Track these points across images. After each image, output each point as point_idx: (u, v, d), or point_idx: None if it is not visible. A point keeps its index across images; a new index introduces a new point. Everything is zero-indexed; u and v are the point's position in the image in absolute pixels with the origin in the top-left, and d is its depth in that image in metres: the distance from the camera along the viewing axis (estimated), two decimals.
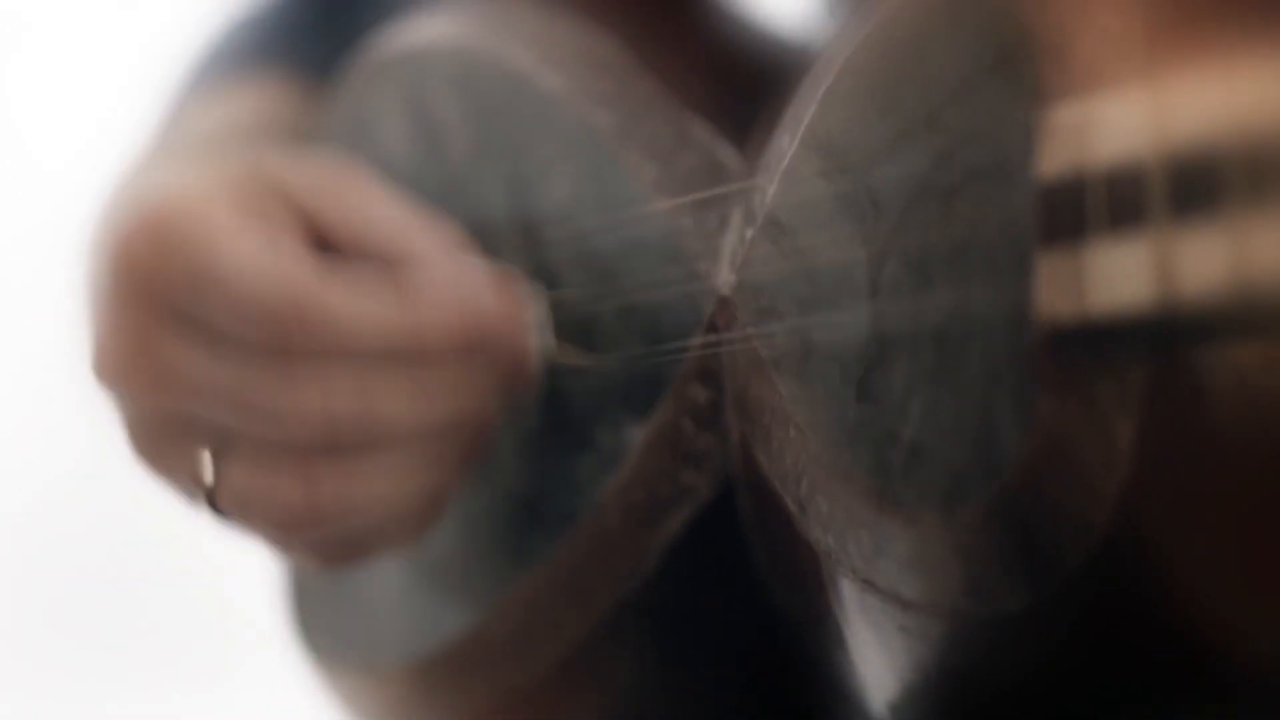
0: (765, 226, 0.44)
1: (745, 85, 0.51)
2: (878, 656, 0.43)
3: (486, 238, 0.52)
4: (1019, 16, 0.38)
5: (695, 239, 0.46)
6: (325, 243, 0.47)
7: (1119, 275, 0.35)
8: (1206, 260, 0.34)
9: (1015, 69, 0.39)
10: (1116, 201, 0.35)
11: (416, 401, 0.45)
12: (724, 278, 0.45)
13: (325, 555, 0.48)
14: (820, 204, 0.43)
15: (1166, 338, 0.35)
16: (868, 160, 0.42)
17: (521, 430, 0.51)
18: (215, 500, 0.46)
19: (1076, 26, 0.37)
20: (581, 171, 0.49)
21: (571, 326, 0.49)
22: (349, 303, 0.45)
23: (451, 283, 0.46)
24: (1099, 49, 0.36)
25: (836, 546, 0.42)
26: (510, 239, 0.52)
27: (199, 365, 0.45)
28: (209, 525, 0.48)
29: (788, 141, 0.44)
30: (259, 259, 0.44)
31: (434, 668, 0.52)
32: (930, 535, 0.39)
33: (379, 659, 0.53)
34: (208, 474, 0.46)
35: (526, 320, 0.47)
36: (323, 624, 0.56)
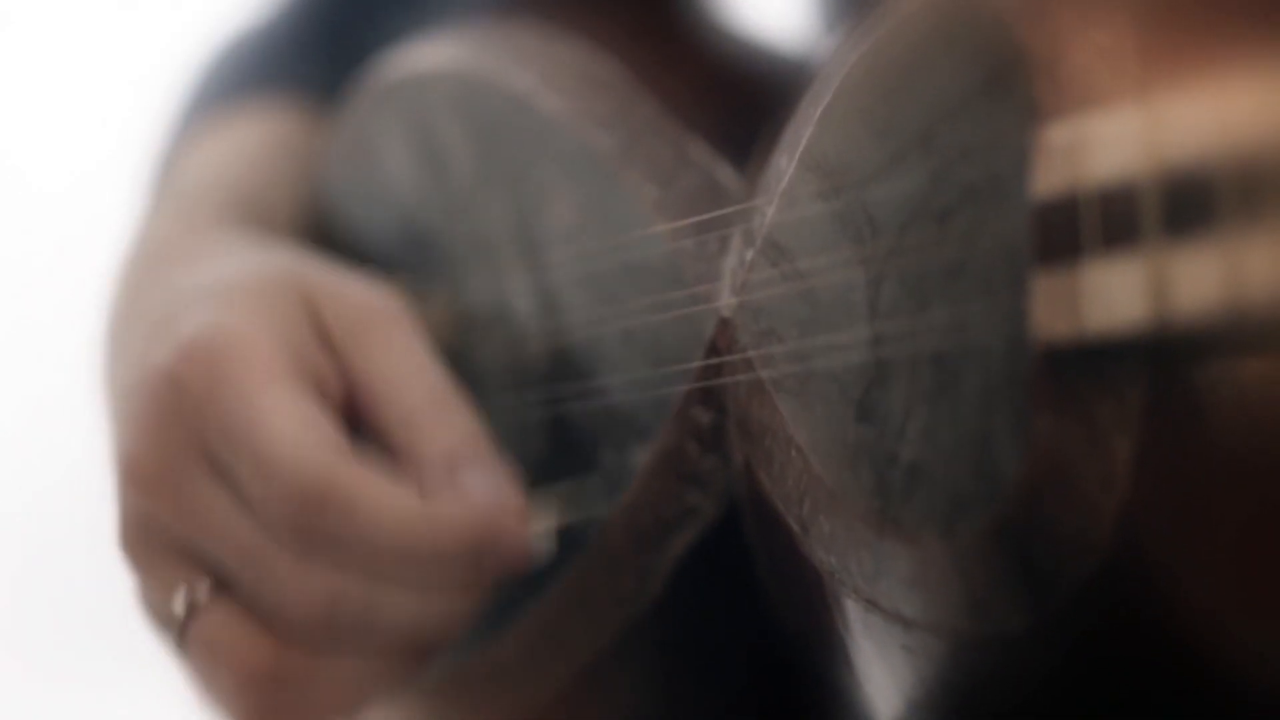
0: (765, 248, 0.44)
1: (744, 105, 0.51)
2: (882, 675, 0.43)
3: (490, 260, 0.53)
4: (1013, 35, 0.38)
5: (696, 261, 0.46)
6: (355, 393, 0.48)
7: (1114, 294, 0.35)
8: (1201, 278, 0.34)
9: (1009, 88, 0.39)
10: (1111, 220, 0.35)
11: (416, 596, 0.46)
12: (725, 300, 0.45)
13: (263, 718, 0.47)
14: (818, 225, 0.43)
15: (1163, 356, 0.35)
16: (864, 181, 0.42)
17: (525, 454, 0.51)
18: (181, 634, 0.47)
19: (1070, 45, 0.37)
20: (583, 193, 0.50)
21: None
22: (372, 499, 0.45)
23: (474, 480, 0.47)
24: (1092, 67, 0.36)
25: (839, 567, 0.42)
26: (514, 262, 0.52)
27: (220, 511, 0.45)
28: (163, 650, 0.48)
29: (786, 162, 0.44)
30: (294, 427, 0.45)
31: (443, 689, 0.52)
32: (931, 555, 0.39)
33: None
34: (182, 607, 0.46)
35: (535, 528, 0.47)
36: None
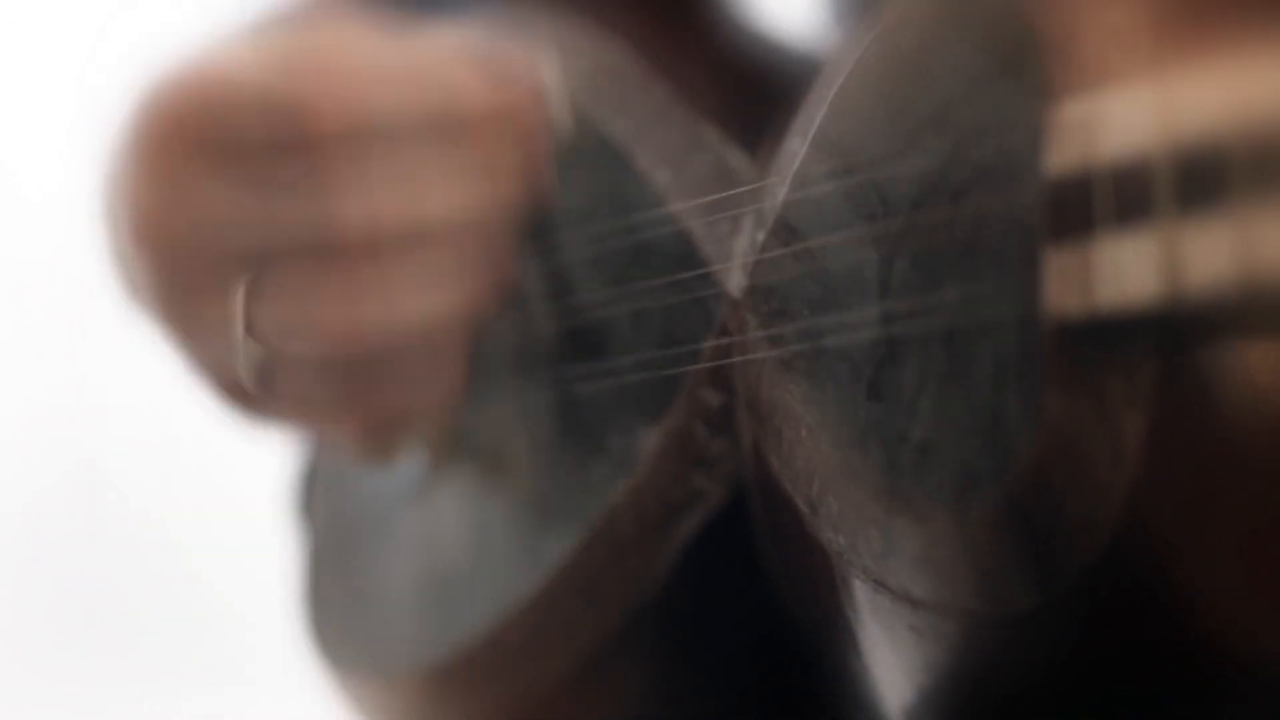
0: (776, 229, 0.44)
1: (755, 90, 0.51)
2: (889, 657, 0.43)
3: None
4: (1025, 15, 0.38)
5: (707, 242, 0.46)
6: None
7: (1127, 271, 0.35)
8: (1213, 255, 0.34)
9: (1022, 67, 0.39)
10: (1124, 197, 0.35)
11: (454, 186, 0.45)
12: (736, 281, 0.45)
13: (363, 410, 0.47)
14: (830, 205, 0.43)
15: (1174, 333, 0.35)
16: (877, 161, 0.42)
17: (534, 435, 0.51)
18: (252, 331, 0.45)
19: (1082, 23, 0.37)
20: (594, 176, 0.50)
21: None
22: (371, 61, 0.44)
23: (472, 51, 0.46)
24: (1105, 45, 0.36)
25: (848, 546, 0.42)
26: (525, 244, 0.52)
27: (235, 192, 0.45)
28: (241, 417, 0.47)
29: (799, 144, 0.44)
30: (274, 56, 0.44)
31: (447, 674, 0.52)
32: (940, 534, 0.39)
33: (392, 665, 0.53)
34: (241, 299, 0.45)
35: (547, 85, 0.47)
36: (336, 629, 0.56)
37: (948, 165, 0.41)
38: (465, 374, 0.48)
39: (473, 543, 0.54)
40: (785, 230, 0.44)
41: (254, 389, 0.47)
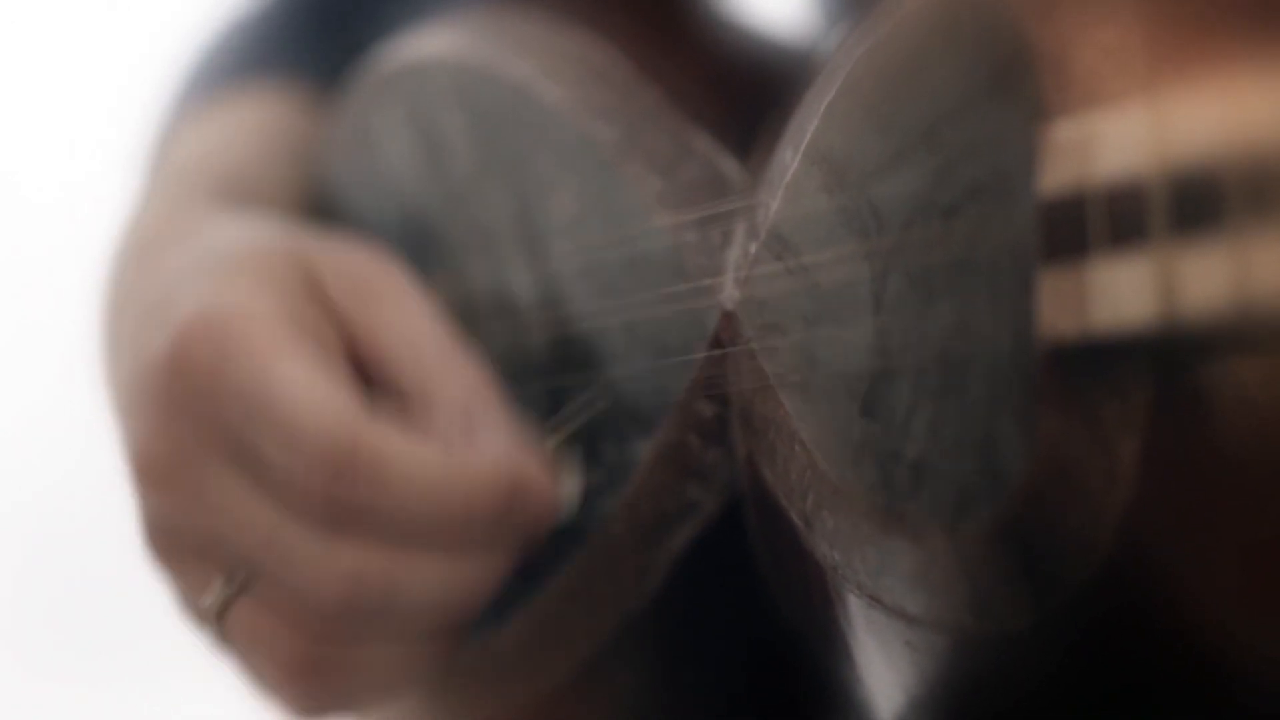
0: (769, 241, 0.44)
1: (747, 97, 0.51)
2: (884, 671, 0.43)
3: (491, 251, 0.52)
4: (1018, 32, 0.38)
5: (699, 254, 0.46)
6: (362, 356, 0.47)
7: (1121, 292, 0.35)
8: (1208, 277, 0.34)
9: (1015, 85, 0.38)
10: (1118, 218, 0.35)
11: (442, 566, 0.45)
12: (728, 293, 0.45)
13: (309, 707, 0.47)
14: (823, 219, 0.43)
15: (1169, 355, 0.35)
16: (869, 175, 0.42)
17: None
18: (217, 624, 0.46)
19: (1076, 42, 0.37)
20: (584, 184, 0.49)
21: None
22: (399, 455, 0.44)
23: (493, 432, 0.46)
24: (1099, 64, 0.36)
25: (842, 562, 0.42)
26: (515, 253, 0.52)
27: (241, 499, 0.45)
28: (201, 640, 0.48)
29: (790, 155, 0.44)
30: (315, 398, 0.44)
31: (442, 683, 0.52)
32: (935, 552, 0.39)
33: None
34: (215, 599, 0.46)
35: (560, 487, 0.47)
36: None
37: (940, 182, 0.40)
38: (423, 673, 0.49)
39: None
40: (777, 243, 0.44)
41: (217, 642, 0.48)
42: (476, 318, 0.53)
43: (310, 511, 0.44)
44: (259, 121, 0.61)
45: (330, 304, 0.47)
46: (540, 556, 0.48)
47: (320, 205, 0.58)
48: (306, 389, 0.44)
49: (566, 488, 0.48)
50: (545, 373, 0.51)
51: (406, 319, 0.48)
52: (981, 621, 0.38)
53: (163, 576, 0.48)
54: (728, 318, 0.45)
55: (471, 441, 0.46)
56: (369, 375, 0.48)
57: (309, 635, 0.45)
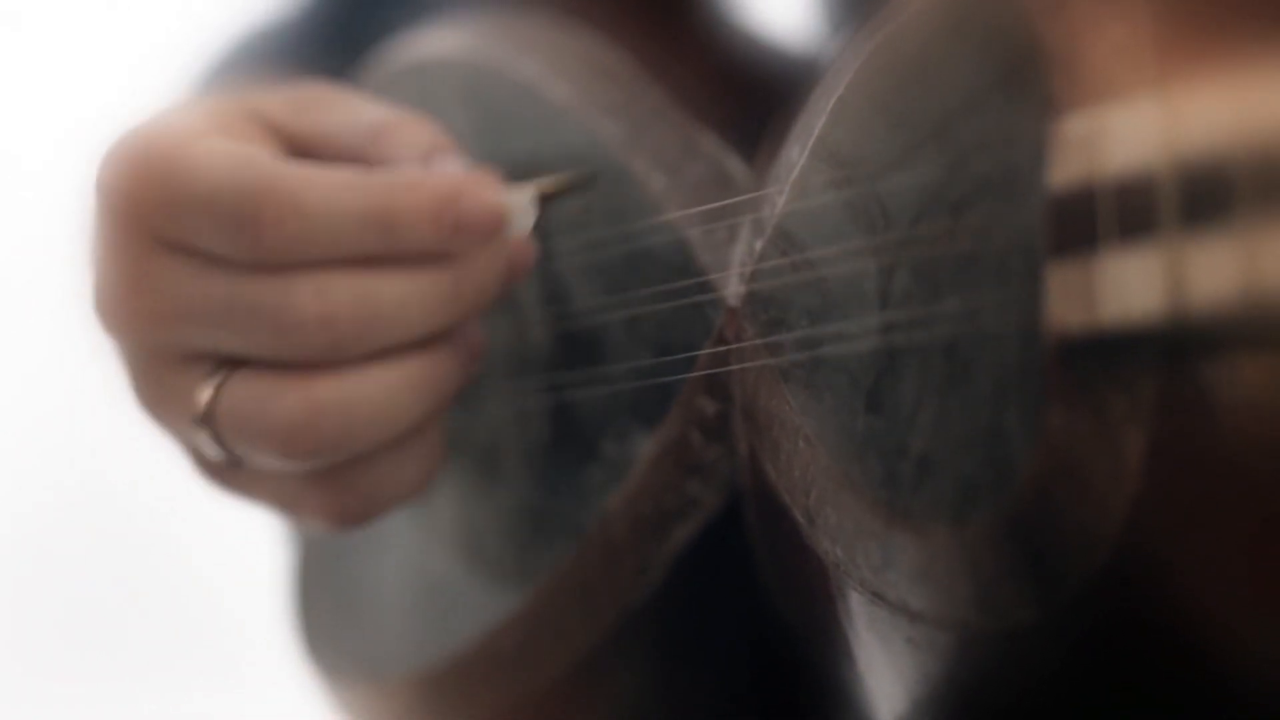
0: (775, 237, 0.44)
1: (752, 96, 0.51)
2: (885, 669, 0.43)
3: None
4: (1028, 28, 0.38)
5: (704, 250, 0.46)
6: (303, 152, 0.47)
7: (1129, 287, 0.35)
8: (1217, 272, 0.34)
9: (1024, 80, 0.39)
10: (1127, 213, 0.35)
11: (414, 296, 0.45)
12: (733, 289, 0.45)
13: (329, 509, 0.46)
14: (830, 215, 0.43)
15: (1177, 350, 0.35)
16: (878, 172, 0.42)
17: (528, 441, 0.50)
18: (215, 429, 0.45)
19: (1086, 37, 0.37)
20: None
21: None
22: (319, 189, 0.44)
23: (423, 167, 0.46)
24: (1109, 60, 0.36)
25: (845, 558, 0.42)
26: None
27: (193, 287, 0.44)
28: (211, 495, 0.47)
29: (798, 153, 0.44)
30: (227, 163, 0.44)
31: (440, 680, 0.52)
32: (939, 547, 0.39)
33: (384, 671, 0.53)
34: (205, 399, 0.45)
35: (505, 198, 0.46)
36: (328, 636, 0.56)
37: (949, 177, 0.40)
38: (437, 462, 0.47)
39: (465, 549, 0.54)
40: (784, 239, 0.44)
41: (218, 479, 0.48)
42: (481, 314, 0.53)
43: (254, 268, 0.44)
44: None
45: (265, 111, 0.47)
46: (538, 549, 0.48)
47: None
48: (215, 156, 0.44)
49: (516, 197, 0.46)
50: (548, 369, 0.51)
51: (352, 104, 0.47)
52: (985, 618, 0.38)
53: (158, 426, 0.47)
54: (732, 314, 0.45)
55: (407, 173, 0.45)
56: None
57: (302, 384, 0.44)
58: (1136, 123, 0.35)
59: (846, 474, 0.42)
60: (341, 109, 0.47)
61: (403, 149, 0.46)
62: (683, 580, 0.47)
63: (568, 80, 0.51)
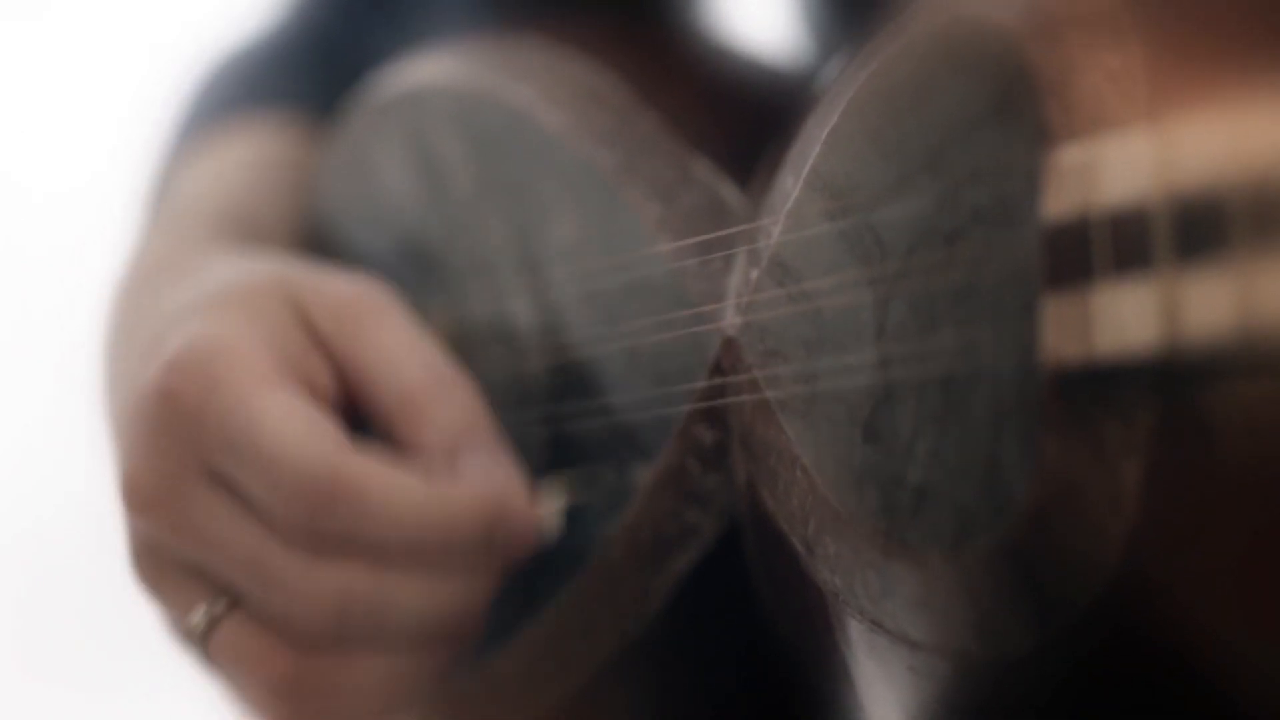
0: (770, 268, 0.44)
1: (746, 121, 0.51)
2: (886, 696, 0.43)
3: (491, 278, 0.52)
4: (1021, 57, 0.38)
5: (700, 280, 0.46)
6: (351, 384, 0.48)
7: (1125, 318, 0.35)
8: (1213, 302, 0.34)
9: (1018, 110, 0.39)
10: (1122, 244, 0.35)
11: (426, 585, 0.46)
12: (729, 319, 0.45)
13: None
14: (825, 245, 0.43)
15: (1173, 380, 0.35)
16: (872, 202, 0.42)
17: (526, 472, 0.50)
18: (203, 645, 0.47)
19: (1080, 67, 0.37)
20: (584, 209, 0.49)
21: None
22: (379, 487, 0.45)
23: (479, 458, 0.47)
24: (1102, 90, 0.36)
25: (844, 587, 0.42)
26: (514, 279, 0.52)
27: (225, 523, 0.45)
28: (190, 663, 0.49)
29: (792, 182, 0.44)
30: (298, 430, 0.45)
31: (440, 708, 0.52)
32: (938, 577, 0.39)
33: None
34: (201, 620, 0.46)
35: (543, 507, 0.48)
36: None
37: (943, 208, 0.41)
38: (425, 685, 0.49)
39: None
40: (779, 269, 0.44)
41: (197, 662, 0.49)
42: (476, 344, 0.53)
43: (293, 537, 0.45)
44: (258, 155, 0.61)
45: (318, 336, 0.48)
46: (538, 581, 0.48)
47: (319, 236, 0.58)
48: (288, 421, 0.45)
49: (548, 512, 0.48)
50: (545, 399, 0.51)
51: (395, 347, 0.48)
52: (985, 646, 0.38)
53: (149, 599, 0.48)
54: (729, 344, 0.45)
55: (455, 469, 0.47)
56: (358, 405, 0.48)
57: (295, 655, 0.46)
58: (1130, 153, 0.35)
59: (844, 504, 0.42)
60: (387, 347, 0.48)
61: (431, 433, 0.47)
62: (682, 608, 0.47)
63: (561, 107, 0.51)
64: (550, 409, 0.51)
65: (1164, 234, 0.35)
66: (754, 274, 0.45)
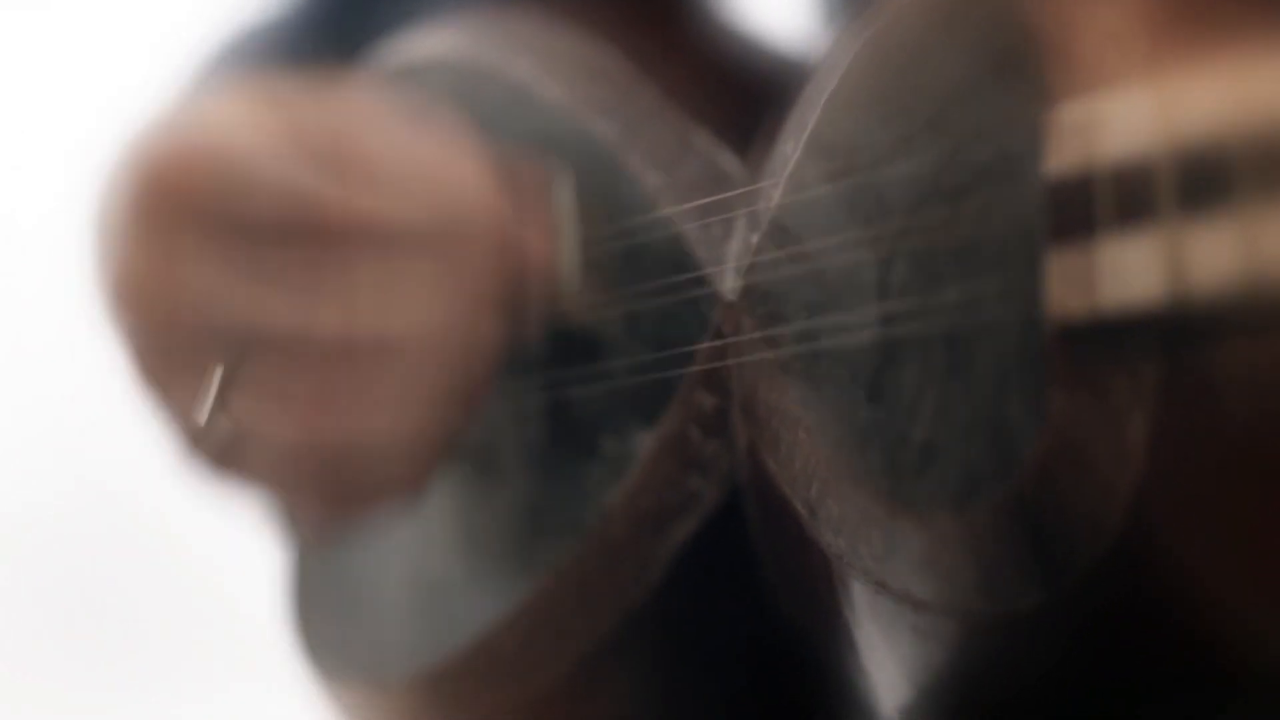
0: (770, 231, 0.44)
1: (745, 93, 0.51)
2: (889, 659, 0.43)
3: None
4: (1021, 15, 0.38)
5: (700, 245, 0.46)
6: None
7: (1130, 271, 0.35)
8: (1217, 254, 0.34)
9: (1019, 69, 0.39)
10: (1125, 198, 0.35)
11: (432, 305, 0.45)
12: (730, 284, 0.45)
13: (324, 497, 0.47)
14: (825, 207, 0.43)
15: (1178, 333, 0.35)
16: (873, 162, 0.42)
17: (527, 439, 0.50)
18: (219, 426, 0.46)
19: (1080, 24, 0.37)
20: (585, 181, 0.49)
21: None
22: (375, 182, 0.44)
23: (479, 176, 0.46)
24: (1103, 46, 0.36)
25: (848, 549, 0.42)
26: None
27: (222, 279, 0.45)
28: (206, 479, 0.47)
29: (792, 147, 0.44)
30: (285, 158, 0.44)
31: (440, 681, 0.52)
32: (943, 535, 0.39)
33: (385, 673, 0.53)
34: (216, 391, 0.45)
35: (559, 216, 0.47)
36: (328, 637, 0.55)
37: (945, 167, 0.41)
38: (428, 477, 0.48)
39: (465, 547, 0.54)
40: (779, 233, 0.44)
41: (218, 462, 0.48)
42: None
43: (289, 263, 0.44)
44: None
45: (315, 123, 0.47)
46: (538, 547, 0.48)
47: None
48: (277, 156, 0.44)
49: (564, 248, 0.47)
50: (546, 366, 0.51)
51: (390, 128, 0.48)
52: (990, 603, 0.38)
53: (159, 405, 0.48)
54: (729, 308, 0.45)
55: (464, 181, 0.46)
56: None
57: (310, 393, 0.45)
58: (1132, 108, 0.35)
59: (848, 464, 0.42)
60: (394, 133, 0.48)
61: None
62: (683, 576, 0.47)
63: (561, 81, 0.51)
64: (551, 376, 0.51)
65: (1167, 187, 0.35)
66: (754, 238, 0.45)
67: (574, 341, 0.50)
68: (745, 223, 0.45)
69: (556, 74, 0.51)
